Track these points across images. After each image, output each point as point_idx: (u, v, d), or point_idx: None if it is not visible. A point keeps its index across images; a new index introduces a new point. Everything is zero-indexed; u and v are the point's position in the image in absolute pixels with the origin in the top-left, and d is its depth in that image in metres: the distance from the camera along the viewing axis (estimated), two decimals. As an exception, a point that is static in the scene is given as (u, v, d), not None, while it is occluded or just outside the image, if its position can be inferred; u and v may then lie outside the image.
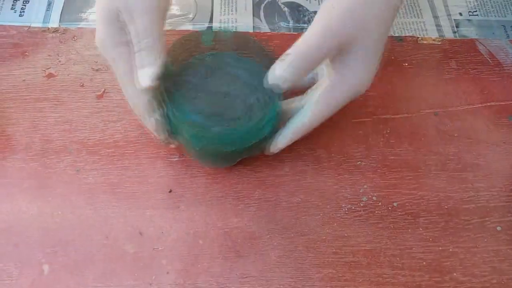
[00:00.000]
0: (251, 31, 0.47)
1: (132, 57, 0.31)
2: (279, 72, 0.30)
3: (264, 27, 0.48)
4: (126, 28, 0.31)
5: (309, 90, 0.34)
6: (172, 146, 0.36)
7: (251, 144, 0.33)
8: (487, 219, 0.36)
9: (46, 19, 0.47)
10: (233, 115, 0.33)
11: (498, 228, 0.36)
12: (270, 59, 0.32)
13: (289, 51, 0.30)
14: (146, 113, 0.33)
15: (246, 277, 0.33)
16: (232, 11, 0.49)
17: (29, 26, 0.45)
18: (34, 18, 0.47)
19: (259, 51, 0.35)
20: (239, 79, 0.35)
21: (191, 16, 0.49)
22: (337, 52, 0.30)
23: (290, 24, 0.49)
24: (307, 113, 0.33)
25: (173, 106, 0.32)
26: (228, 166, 0.38)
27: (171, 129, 0.34)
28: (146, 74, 0.30)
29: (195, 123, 0.32)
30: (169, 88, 0.33)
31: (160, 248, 0.34)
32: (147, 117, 0.33)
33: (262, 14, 0.49)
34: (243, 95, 0.34)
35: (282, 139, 0.34)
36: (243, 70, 0.36)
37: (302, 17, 0.49)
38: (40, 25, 0.47)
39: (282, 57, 0.30)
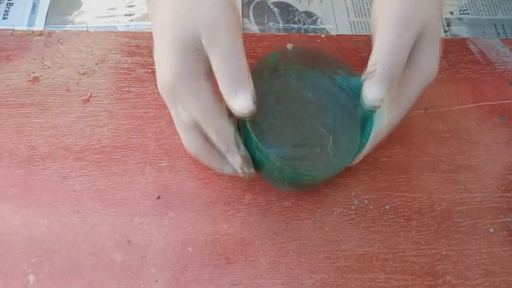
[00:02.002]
0: (240, 32, 0.46)
1: (211, 88, 0.28)
2: (377, 91, 0.28)
3: (254, 28, 0.47)
4: (203, 55, 0.28)
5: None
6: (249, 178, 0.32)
7: (340, 170, 0.32)
8: (479, 220, 0.36)
9: (30, 22, 0.46)
10: (319, 140, 0.32)
11: (491, 230, 0.36)
12: (344, 70, 0.33)
13: (373, 62, 0.28)
14: (235, 147, 0.30)
15: (236, 284, 0.33)
16: (221, 12, 0.48)
17: (13, 30, 0.44)
18: (18, 21, 0.46)
19: (332, 64, 0.34)
20: (312, 98, 0.34)
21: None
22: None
23: (280, 25, 0.48)
24: (383, 114, 0.30)
25: (259, 142, 0.30)
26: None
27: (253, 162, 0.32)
28: (244, 98, 0.27)
29: (286, 161, 0.31)
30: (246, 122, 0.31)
31: (148, 256, 0.33)
32: (236, 151, 0.30)
33: (251, 14, 0.49)
34: (321, 116, 0.33)
35: (362, 151, 0.32)
36: (314, 89, 0.35)
37: (292, 17, 0.49)
38: (24, 28, 0.46)
39: (370, 72, 0.28)
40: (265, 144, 0.31)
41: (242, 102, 0.27)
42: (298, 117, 0.33)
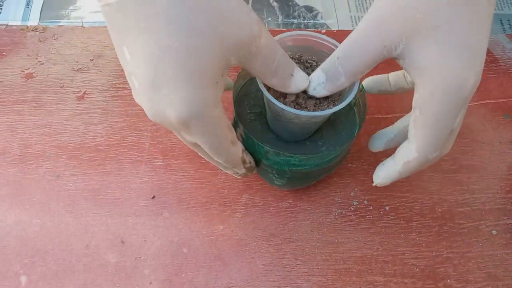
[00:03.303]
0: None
1: (225, 115, 0.25)
2: (315, 76, 0.25)
3: (253, 23, 0.46)
4: (224, 75, 0.23)
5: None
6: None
7: (327, 160, 0.31)
8: (482, 222, 0.35)
9: (25, 17, 0.45)
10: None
11: (494, 232, 0.35)
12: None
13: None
14: (242, 165, 0.29)
15: (232, 287, 0.32)
16: (219, 6, 0.47)
17: (7, 25, 0.43)
18: (12, 16, 0.45)
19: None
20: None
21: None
22: (406, 43, 0.24)
23: (279, 20, 0.47)
24: (412, 142, 0.25)
25: (246, 128, 0.29)
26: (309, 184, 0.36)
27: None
28: (300, 76, 0.25)
29: (280, 153, 0.29)
30: (241, 119, 0.31)
31: (142, 257, 0.33)
32: (242, 167, 0.29)
33: (250, 9, 0.48)
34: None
35: (386, 179, 0.28)
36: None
37: (292, 12, 0.48)
38: (19, 23, 0.45)
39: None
40: (252, 133, 0.30)
41: (301, 80, 0.25)
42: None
